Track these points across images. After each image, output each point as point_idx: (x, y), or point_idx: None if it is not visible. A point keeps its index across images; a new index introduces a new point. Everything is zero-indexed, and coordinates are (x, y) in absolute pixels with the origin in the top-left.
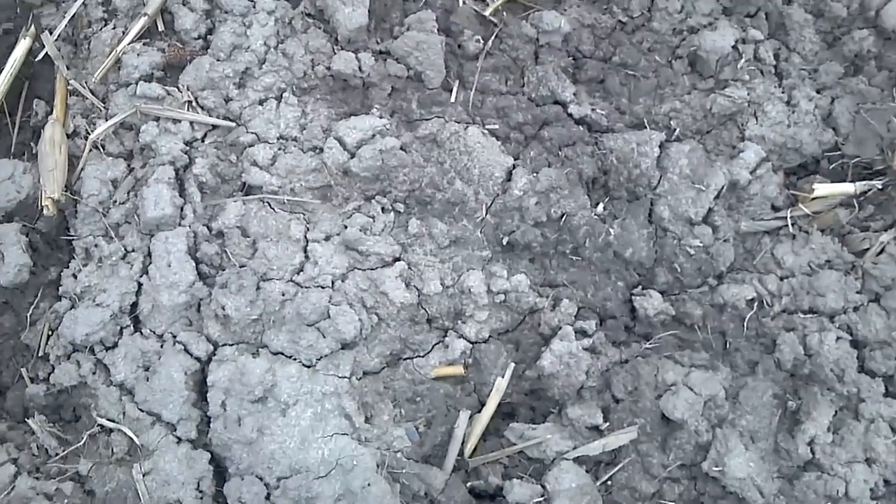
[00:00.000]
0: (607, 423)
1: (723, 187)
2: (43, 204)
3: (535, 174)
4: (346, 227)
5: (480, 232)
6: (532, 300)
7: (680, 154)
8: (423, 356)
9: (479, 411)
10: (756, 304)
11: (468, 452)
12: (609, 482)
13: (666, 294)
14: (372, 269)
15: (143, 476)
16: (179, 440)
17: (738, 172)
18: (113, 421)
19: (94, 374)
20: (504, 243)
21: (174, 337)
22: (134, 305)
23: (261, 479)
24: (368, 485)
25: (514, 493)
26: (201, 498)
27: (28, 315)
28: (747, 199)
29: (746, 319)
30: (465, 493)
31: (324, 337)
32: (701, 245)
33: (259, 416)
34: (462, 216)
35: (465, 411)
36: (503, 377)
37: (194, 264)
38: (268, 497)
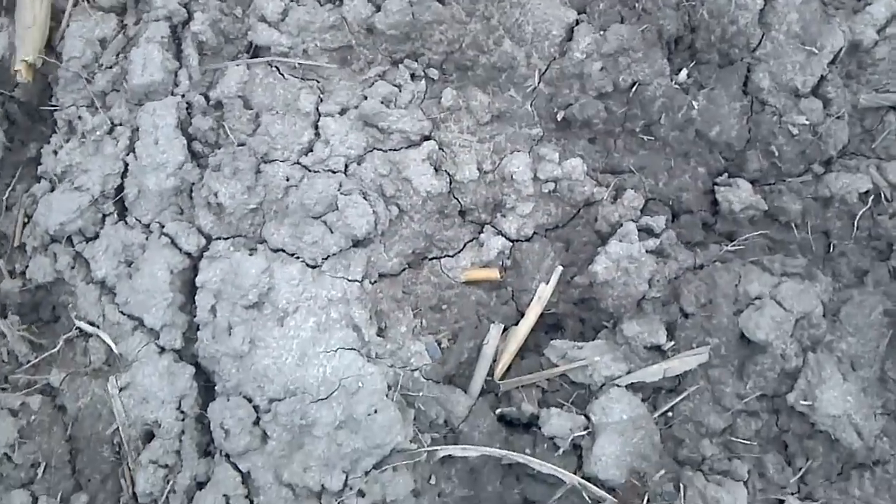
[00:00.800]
0: (672, 343)
1: (840, 50)
2: (15, 69)
3: (602, 32)
4: (365, 97)
5: (530, 105)
6: (588, 190)
7: (789, 7)
8: (452, 256)
9: (516, 324)
10: (871, 198)
11: (499, 374)
12: (669, 414)
13: (757, 184)
14: (394, 150)
15: (120, 391)
16: (162, 350)
17: (861, 31)
18: (92, 324)
19: (72, 268)
20: (558, 119)
21: (161, 227)
22: (119, 189)
23: (250, 400)
24: (375, 411)
25: (552, 424)
26: (182, 419)
27: (4, 198)
28: (871, 66)
29: (858, 217)
30: (494, 422)
31: (332, 232)
32: (807, 123)
33: (252, 325)
34: (509, 85)
35: (497, 324)
36: (547, 283)
37: (185, 141)
38: (256, 422)
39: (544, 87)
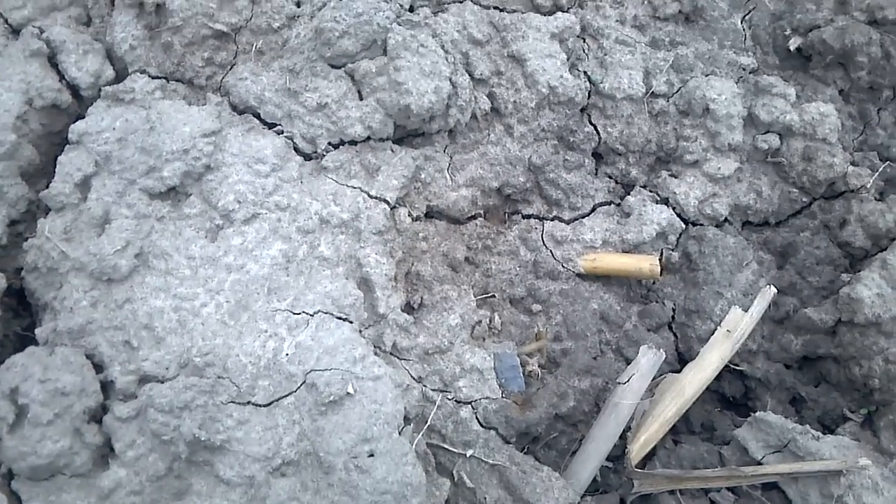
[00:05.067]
0: None
1: None
2: None
3: None
4: None
5: (742, 20)
6: (839, 164)
7: None
8: (568, 221)
9: (679, 369)
10: None
11: (637, 455)
12: None
13: None
14: (505, 10)
15: None
16: None
17: None
18: None
19: None
20: (789, 48)
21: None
22: None
23: (99, 367)
24: (371, 454)
25: None
26: None
27: None
28: None
29: None
30: None
31: (360, 96)
32: None
33: (153, 228)
34: None
35: (652, 353)
36: (745, 310)
37: None
38: (96, 418)
39: None
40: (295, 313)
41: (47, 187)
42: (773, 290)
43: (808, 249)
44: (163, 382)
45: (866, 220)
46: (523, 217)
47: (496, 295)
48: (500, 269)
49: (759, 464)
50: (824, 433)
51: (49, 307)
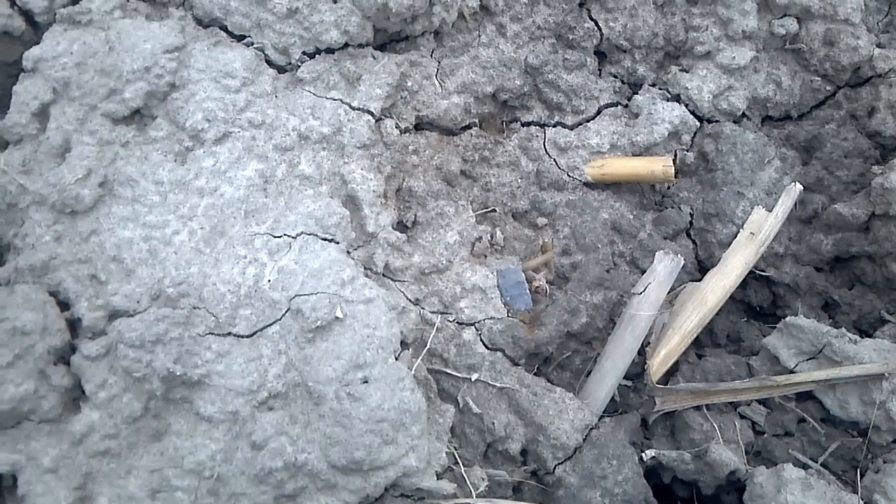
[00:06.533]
0: None
1: None
2: None
3: None
4: None
5: None
6: (865, 46)
7: None
8: (571, 127)
9: (699, 278)
10: None
11: (657, 370)
12: None
13: None
14: None
15: None
16: None
17: None
18: None
19: None
20: None
21: None
22: None
23: (65, 304)
24: (366, 381)
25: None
26: None
27: None
28: None
29: None
30: (636, 473)
31: None
32: None
33: (118, 154)
34: None
35: (671, 259)
36: (770, 210)
37: None
38: (63, 359)
39: None
40: (276, 236)
41: (3, 119)
42: (799, 187)
43: (835, 142)
44: (133, 316)
45: None
46: (523, 125)
47: (497, 209)
48: (500, 182)
49: (792, 372)
50: (862, 337)
51: (11, 246)
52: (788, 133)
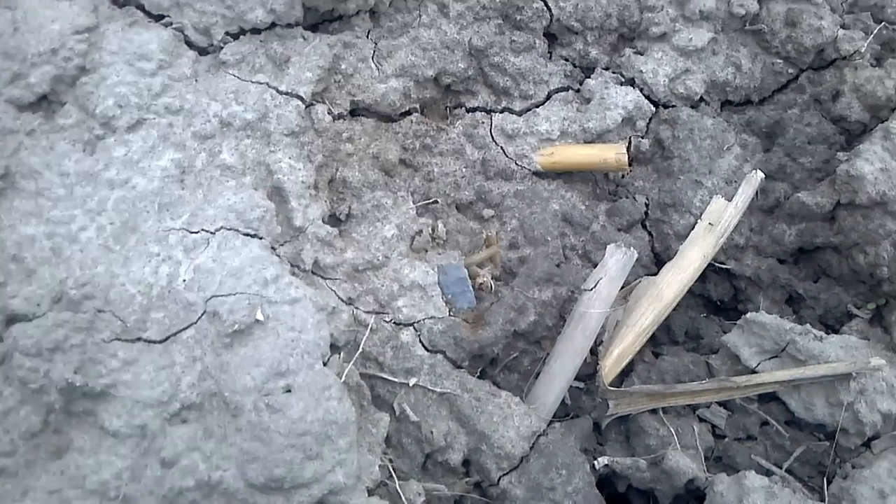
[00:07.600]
0: None
1: None
2: None
3: None
4: None
5: None
6: (829, 27)
7: None
8: (519, 113)
9: (654, 272)
10: None
11: (609, 372)
12: None
13: None
14: None
15: None
16: None
17: None
18: None
19: None
20: None
21: None
22: None
23: None
24: (289, 390)
25: None
26: None
27: None
28: None
29: None
30: (587, 482)
31: None
32: None
33: (23, 145)
34: None
35: (624, 253)
36: (729, 199)
37: None
38: None
39: None
40: (192, 232)
41: None
42: (760, 175)
43: (798, 127)
44: (31, 321)
45: (862, 90)
46: (467, 110)
47: (439, 201)
48: (442, 172)
49: (754, 372)
50: (828, 333)
51: None
52: (749, 118)
